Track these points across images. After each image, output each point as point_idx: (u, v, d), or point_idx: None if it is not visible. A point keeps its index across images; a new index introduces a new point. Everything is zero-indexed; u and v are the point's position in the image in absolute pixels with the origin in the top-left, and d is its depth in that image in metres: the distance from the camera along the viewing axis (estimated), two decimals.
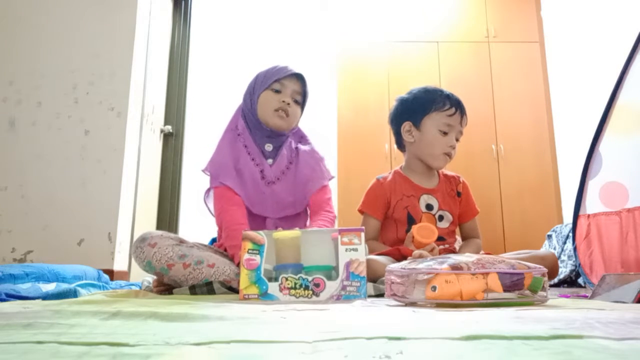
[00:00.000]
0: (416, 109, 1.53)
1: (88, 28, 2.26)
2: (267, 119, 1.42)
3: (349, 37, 3.59)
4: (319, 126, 3.10)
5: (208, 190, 1.46)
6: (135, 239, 1.58)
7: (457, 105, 1.51)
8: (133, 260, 1.57)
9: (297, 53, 3.52)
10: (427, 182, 1.57)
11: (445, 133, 1.50)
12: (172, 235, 1.30)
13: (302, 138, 1.54)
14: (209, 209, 1.47)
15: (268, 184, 1.41)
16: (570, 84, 3.24)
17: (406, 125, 1.55)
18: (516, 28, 3.62)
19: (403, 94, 1.62)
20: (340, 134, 3.42)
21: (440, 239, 1.45)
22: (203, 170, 1.45)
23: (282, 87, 1.42)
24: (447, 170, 1.63)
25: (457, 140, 1.53)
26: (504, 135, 3.45)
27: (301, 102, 1.46)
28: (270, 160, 1.43)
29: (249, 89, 1.48)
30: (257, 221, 1.39)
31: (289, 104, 1.42)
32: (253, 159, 1.42)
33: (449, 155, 1.52)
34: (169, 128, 2.85)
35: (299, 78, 1.44)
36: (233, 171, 1.40)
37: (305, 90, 1.46)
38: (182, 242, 1.29)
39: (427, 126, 1.51)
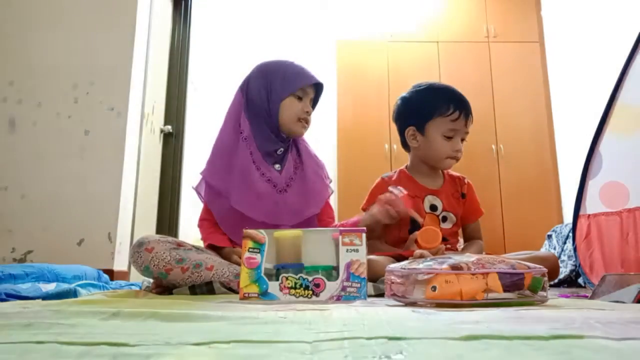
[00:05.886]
0: (419, 113, 1.50)
1: (88, 28, 2.26)
2: (291, 126, 1.40)
3: (348, 36, 3.59)
4: (319, 126, 3.10)
5: (199, 186, 1.44)
6: (134, 241, 1.57)
7: (461, 108, 1.47)
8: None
9: (297, 53, 3.52)
10: (432, 183, 1.56)
11: (449, 138, 1.47)
12: (169, 238, 1.27)
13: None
14: (200, 195, 1.44)
15: (280, 192, 1.38)
16: (570, 84, 3.24)
17: (410, 130, 1.52)
18: (516, 28, 3.62)
19: (405, 92, 1.60)
20: (340, 134, 3.43)
21: (443, 239, 1.45)
22: (201, 173, 1.43)
23: (304, 94, 1.41)
24: (453, 171, 1.62)
25: (463, 140, 1.51)
26: (504, 135, 3.45)
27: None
28: (277, 166, 1.41)
29: (266, 86, 1.40)
30: None
31: (310, 113, 1.42)
32: (258, 169, 1.38)
33: (455, 158, 1.51)
34: (169, 128, 2.85)
35: (316, 85, 1.44)
36: (238, 183, 1.36)
37: (317, 98, 1.47)
38: (180, 245, 1.26)
39: (431, 132, 1.48)
